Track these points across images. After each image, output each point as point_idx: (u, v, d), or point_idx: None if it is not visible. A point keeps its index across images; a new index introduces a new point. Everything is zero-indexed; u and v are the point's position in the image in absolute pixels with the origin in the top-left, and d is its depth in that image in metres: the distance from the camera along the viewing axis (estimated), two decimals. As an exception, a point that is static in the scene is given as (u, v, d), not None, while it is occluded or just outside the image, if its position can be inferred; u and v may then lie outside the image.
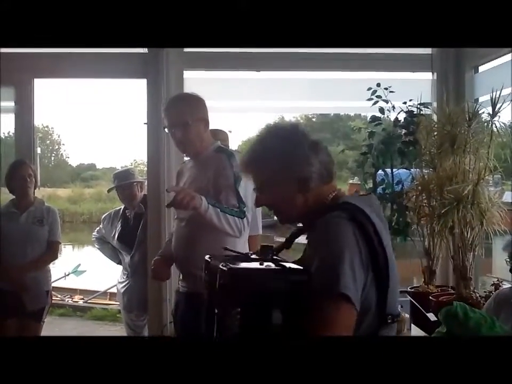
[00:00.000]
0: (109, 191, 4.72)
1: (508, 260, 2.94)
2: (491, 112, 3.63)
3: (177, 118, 2.94)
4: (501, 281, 3.48)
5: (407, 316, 3.09)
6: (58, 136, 38.99)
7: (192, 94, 3.12)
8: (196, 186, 2.86)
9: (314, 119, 34.53)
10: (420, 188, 3.93)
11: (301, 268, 1.65)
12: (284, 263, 1.68)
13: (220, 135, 3.47)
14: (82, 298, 9.81)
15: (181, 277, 3.16)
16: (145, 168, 4.72)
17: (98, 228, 4.68)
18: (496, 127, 3.62)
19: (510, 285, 3.05)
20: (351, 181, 15.68)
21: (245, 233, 2.88)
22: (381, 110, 3.98)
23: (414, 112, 3.99)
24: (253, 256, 1.81)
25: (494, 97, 3.60)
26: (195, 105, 2.97)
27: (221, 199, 2.75)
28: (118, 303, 5.31)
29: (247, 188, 2.77)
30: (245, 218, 2.76)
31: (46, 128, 37.18)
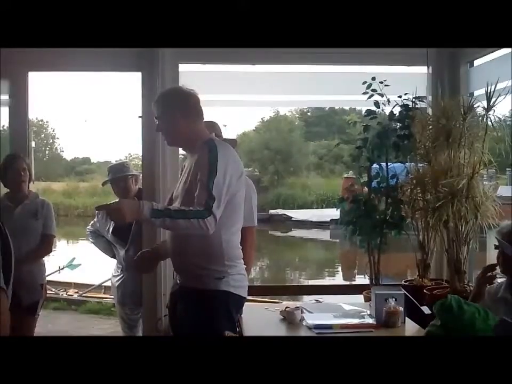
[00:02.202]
0: (103, 184, 4.71)
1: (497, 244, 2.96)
2: (486, 106, 3.64)
3: (158, 110, 2.92)
4: (495, 274, 3.48)
5: (402, 309, 3.09)
6: (53, 130, 38.89)
7: (179, 88, 3.10)
8: (187, 181, 2.84)
9: (309, 113, 34.56)
10: (414, 181, 3.94)
11: None
12: None
13: (212, 126, 3.45)
14: (77, 292, 9.79)
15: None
16: (140, 162, 4.70)
17: (92, 222, 4.67)
18: (491, 121, 3.63)
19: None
20: (346, 175, 15.74)
21: (235, 227, 2.86)
22: (376, 104, 3.98)
23: (409, 106, 3.99)
24: None
25: (489, 91, 3.61)
26: (177, 98, 2.92)
27: (195, 194, 2.72)
28: (112, 296, 5.31)
29: (231, 182, 2.76)
30: (211, 216, 2.61)
31: (40, 122, 37.06)
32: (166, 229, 2.66)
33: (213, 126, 3.47)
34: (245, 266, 2.98)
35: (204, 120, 3.09)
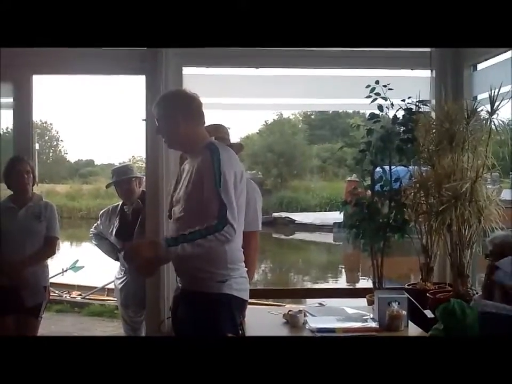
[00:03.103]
0: (107, 186, 4.72)
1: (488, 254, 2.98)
2: (489, 110, 3.64)
3: (159, 112, 2.91)
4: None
5: (405, 312, 3.09)
6: (57, 132, 38.96)
7: (181, 90, 3.09)
8: (189, 185, 2.83)
9: (313, 116, 34.57)
10: (417, 185, 3.94)
11: None
12: None
13: (219, 129, 3.45)
14: (80, 294, 9.80)
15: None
16: (144, 165, 4.71)
17: (96, 224, 4.67)
18: (494, 125, 3.63)
19: None
20: (349, 178, 15.73)
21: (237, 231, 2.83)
22: (380, 108, 3.98)
23: (413, 110, 3.99)
24: None
25: (492, 95, 3.61)
26: (180, 100, 2.91)
27: (204, 203, 2.71)
28: (115, 299, 5.31)
29: (236, 185, 2.75)
30: (227, 225, 2.62)
31: (44, 124, 37.14)
32: (188, 254, 2.65)
33: (219, 129, 3.46)
34: (247, 269, 2.98)
35: (211, 124, 3.07)
